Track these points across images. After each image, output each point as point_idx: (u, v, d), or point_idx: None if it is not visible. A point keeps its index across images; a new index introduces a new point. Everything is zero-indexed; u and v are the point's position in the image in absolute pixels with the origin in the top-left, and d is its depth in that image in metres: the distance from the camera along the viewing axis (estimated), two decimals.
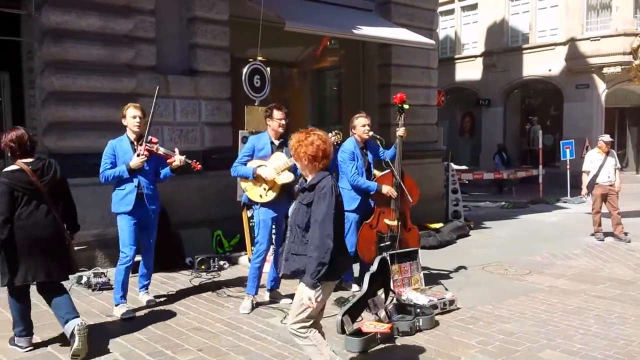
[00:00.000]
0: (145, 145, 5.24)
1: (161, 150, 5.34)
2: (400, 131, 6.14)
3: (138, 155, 5.19)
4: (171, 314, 5.34)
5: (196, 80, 7.96)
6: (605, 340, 4.73)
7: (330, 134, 5.63)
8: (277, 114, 5.59)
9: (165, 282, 6.53)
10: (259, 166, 5.52)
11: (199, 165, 5.48)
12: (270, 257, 5.92)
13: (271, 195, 5.49)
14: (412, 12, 10.77)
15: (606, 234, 9.28)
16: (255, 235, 5.68)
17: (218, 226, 7.90)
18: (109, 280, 6.28)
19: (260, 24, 7.46)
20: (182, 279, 6.64)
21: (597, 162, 9.31)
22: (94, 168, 6.94)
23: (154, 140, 5.38)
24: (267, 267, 5.91)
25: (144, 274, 5.68)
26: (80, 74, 6.98)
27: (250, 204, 6.03)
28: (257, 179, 5.49)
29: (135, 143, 5.32)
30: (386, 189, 6.01)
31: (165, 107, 7.73)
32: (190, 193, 7.60)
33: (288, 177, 5.48)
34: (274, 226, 5.65)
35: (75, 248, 6.76)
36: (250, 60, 7.87)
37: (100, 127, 7.13)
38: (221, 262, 7.18)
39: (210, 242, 7.77)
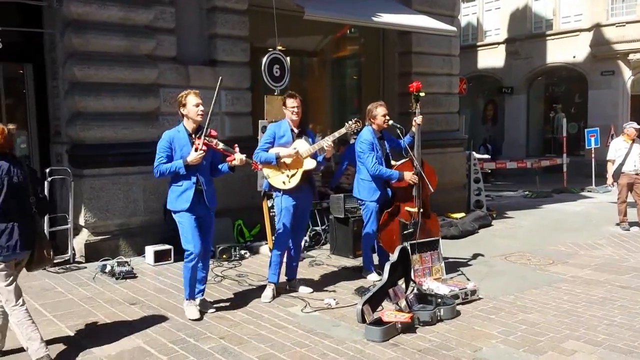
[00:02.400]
0: (204, 139, 4.75)
1: (220, 146, 4.85)
2: (419, 119, 6.11)
3: (196, 150, 4.72)
4: None
5: (216, 70, 7.97)
6: (630, 331, 4.66)
7: (349, 122, 5.63)
8: (290, 102, 5.53)
9: None
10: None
11: (260, 166, 5.21)
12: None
13: (294, 181, 5.46)
14: None
15: (631, 224, 9.12)
16: (277, 222, 5.66)
17: (239, 216, 7.94)
18: (132, 269, 6.36)
19: (274, 12, 7.43)
20: None
21: (623, 151, 9.15)
22: (116, 158, 7.12)
23: (213, 133, 4.94)
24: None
25: (201, 278, 5.15)
26: (102, 65, 7.04)
27: (271, 192, 5.99)
28: (280, 165, 5.45)
29: (192, 135, 4.85)
30: (409, 176, 5.99)
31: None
32: (212, 181, 7.61)
33: (311, 163, 5.48)
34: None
35: (99, 237, 6.96)
36: (270, 49, 7.86)
37: (123, 118, 7.22)
38: (242, 252, 7.22)
39: (232, 232, 7.82)
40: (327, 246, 7.81)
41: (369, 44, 11.26)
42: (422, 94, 6.21)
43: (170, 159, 4.80)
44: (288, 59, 8.01)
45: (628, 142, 9.16)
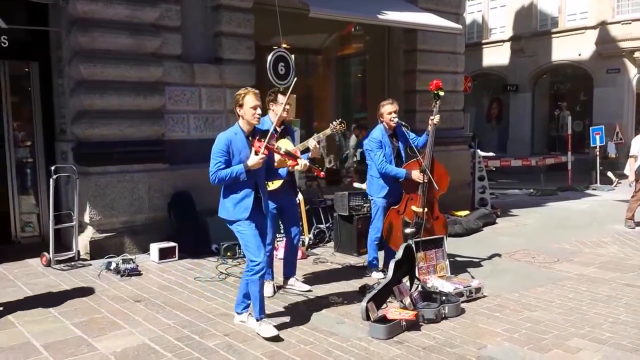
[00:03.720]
0: (267, 142, 4.35)
1: (283, 150, 4.52)
2: (436, 119, 6.05)
3: (256, 153, 4.35)
4: (198, 300, 5.41)
5: (221, 68, 7.98)
6: (635, 328, 4.65)
7: (334, 123, 5.64)
8: (282, 98, 5.44)
9: (192, 268, 6.61)
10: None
11: (323, 173, 4.91)
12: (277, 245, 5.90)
13: (278, 182, 5.42)
14: None
15: (637, 223, 9.06)
16: None
17: None
18: (137, 266, 6.38)
19: (279, 10, 7.43)
20: (209, 266, 6.72)
21: None
22: (122, 156, 7.14)
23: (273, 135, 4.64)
24: (282, 254, 5.96)
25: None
26: (107, 63, 7.05)
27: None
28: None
29: (250, 138, 4.48)
30: (416, 175, 5.97)
31: (191, 95, 7.81)
32: None
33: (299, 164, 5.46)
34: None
35: (104, 235, 6.99)
36: (275, 47, 7.86)
37: (128, 116, 7.24)
38: None
39: None
40: (332, 244, 7.82)
41: (374, 41, 11.24)
42: (441, 93, 6.18)
43: (228, 163, 4.38)
44: (293, 56, 8.01)
45: None
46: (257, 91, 4.48)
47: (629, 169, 9.23)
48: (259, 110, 4.43)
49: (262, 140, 4.38)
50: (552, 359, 4.10)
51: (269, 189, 5.37)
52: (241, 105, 4.46)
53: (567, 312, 5.09)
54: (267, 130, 4.51)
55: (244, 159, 4.38)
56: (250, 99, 4.43)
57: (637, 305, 5.27)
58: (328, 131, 5.65)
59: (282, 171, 4.66)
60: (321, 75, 11.82)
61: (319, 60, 11.64)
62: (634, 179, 9.12)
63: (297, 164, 4.52)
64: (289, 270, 5.83)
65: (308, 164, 4.54)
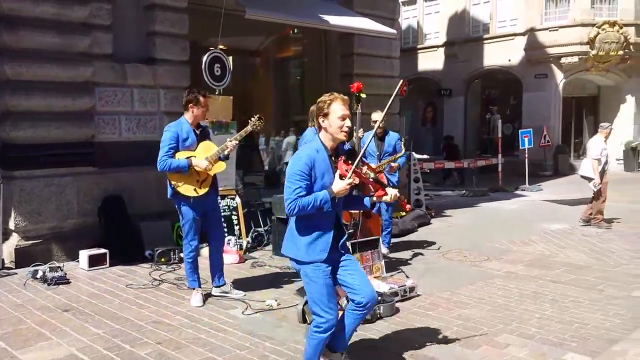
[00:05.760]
0: (356, 167, 3.41)
1: (372, 177, 3.58)
2: (360, 133, 5.95)
3: (341, 177, 3.41)
4: (130, 308, 5.25)
5: (154, 69, 7.82)
6: (560, 323, 4.86)
7: (252, 119, 5.55)
8: (204, 100, 5.34)
9: (124, 275, 6.42)
10: (188, 157, 5.23)
11: (409, 206, 3.91)
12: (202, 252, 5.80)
13: (204, 188, 5.32)
14: (374, 2, 10.80)
15: (607, 221, 9.36)
16: (185, 232, 5.45)
17: (179, 218, 7.79)
18: (65, 274, 6.14)
19: (216, 11, 7.36)
20: (142, 272, 6.54)
21: (606, 151, 9.21)
22: (49, 159, 6.87)
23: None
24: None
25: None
26: (34, 63, 6.79)
27: (179, 200, 5.38)
28: (190, 173, 5.21)
29: (333, 157, 3.50)
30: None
31: (122, 96, 7.61)
32: (150, 183, 7.43)
33: (221, 166, 5.41)
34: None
35: (30, 242, 6.69)
36: (211, 48, 7.77)
37: (56, 118, 6.98)
38: (182, 255, 7.06)
39: (171, 234, 7.67)
40: (270, 247, 7.79)
41: (311, 45, 11.32)
42: (363, 95, 6.24)
43: (309, 189, 3.41)
44: (230, 58, 7.94)
45: (606, 142, 9.22)
46: (345, 97, 3.53)
47: (592, 172, 9.14)
48: (348, 122, 3.45)
49: (349, 162, 3.44)
50: (482, 354, 4.23)
51: (197, 194, 5.29)
52: (326, 115, 3.45)
53: (496, 308, 5.27)
54: (354, 151, 3.72)
55: (327, 184, 3.42)
56: (338, 108, 3.45)
57: (562, 301, 5.50)
58: (249, 128, 5.58)
59: (365, 202, 3.72)
60: (260, 77, 11.81)
61: (257, 62, 11.62)
62: (599, 181, 9.14)
63: (386, 194, 3.56)
64: (220, 278, 5.63)
65: (396, 194, 3.59)
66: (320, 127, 3.51)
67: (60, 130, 6.99)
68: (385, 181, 3.71)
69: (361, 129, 6.07)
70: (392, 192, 3.58)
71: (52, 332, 4.60)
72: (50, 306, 5.27)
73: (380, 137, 6.33)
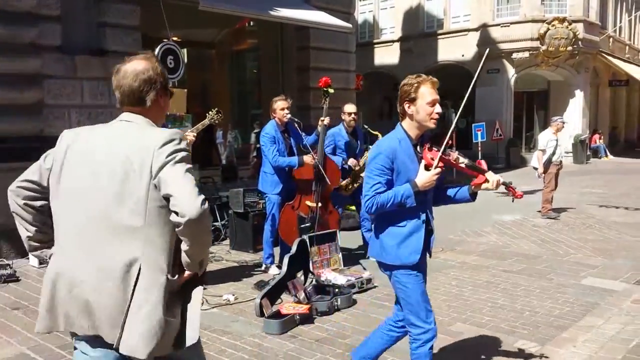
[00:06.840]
0: (441, 152, 3.03)
1: (462, 161, 3.16)
2: (326, 120, 6.15)
3: (427, 168, 3.01)
4: None
5: (105, 61, 7.62)
6: (512, 312, 4.99)
7: (210, 112, 5.58)
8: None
9: None
10: None
11: (520, 193, 3.28)
12: None
13: None
14: None
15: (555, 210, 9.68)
16: None
17: None
18: (15, 272, 5.95)
19: (168, 2, 7.23)
20: None
21: (553, 142, 9.60)
22: None
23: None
24: None
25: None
26: None
27: None
28: None
29: (418, 147, 3.11)
30: (308, 158, 6.02)
31: (72, 89, 7.39)
32: None
33: None
34: None
35: None
36: (164, 40, 7.63)
37: (2, 111, 6.73)
38: None
39: None
40: (227, 241, 7.73)
41: (267, 38, 11.25)
42: (331, 90, 6.28)
43: (390, 184, 3.02)
44: (185, 50, 7.82)
45: (556, 135, 9.65)
46: (435, 80, 3.13)
47: (537, 162, 9.70)
48: (438, 108, 3.07)
49: (435, 148, 3.07)
50: (436, 344, 4.27)
51: None
52: (412, 100, 3.06)
53: (451, 298, 5.38)
54: (438, 135, 3.25)
55: (412, 177, 3.01)
56: (427, 92, 3.05)
57: (513, 290, 5.66)
58: (206, 122, 5.58)
59: (461, 194, 3.30)
60: (215, 69, 11.66)
61: (212, 54, 11.47)
62: (542, 171, 9.64)
63: (486, 181, 3.13)
64: None
65: (500, 180, 3.14)
66: (404, 114, 3.13)
67: (7, 123, 6.76)
68: (485, 166, 3.26)
69: (327, 117, 6.13)
70: (494, 178, 3.12)
71: (2, 331, 4.46)
72: (0, 305, 5.11)
73: (352, 132, 6.41)
